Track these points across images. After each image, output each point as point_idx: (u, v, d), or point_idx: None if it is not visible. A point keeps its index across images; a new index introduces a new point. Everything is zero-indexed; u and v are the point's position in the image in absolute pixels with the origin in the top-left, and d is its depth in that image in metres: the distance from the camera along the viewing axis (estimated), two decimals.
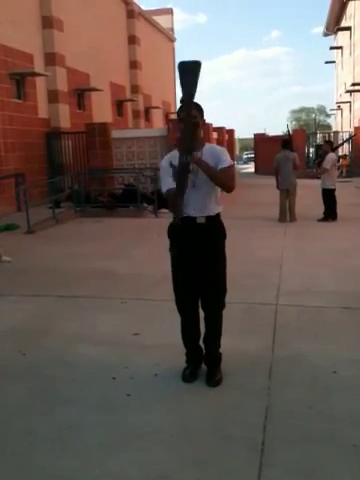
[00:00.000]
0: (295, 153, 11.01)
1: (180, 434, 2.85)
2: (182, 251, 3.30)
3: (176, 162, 3.07)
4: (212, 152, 3.22)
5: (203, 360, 3.55)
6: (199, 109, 3.19)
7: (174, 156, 3.17)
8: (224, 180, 3.18)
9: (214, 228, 3.32)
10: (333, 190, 10.59)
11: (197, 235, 3.26)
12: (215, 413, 3.07)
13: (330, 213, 10.53)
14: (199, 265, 3.31)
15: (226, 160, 3.20)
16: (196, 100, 3.06)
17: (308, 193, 12.76)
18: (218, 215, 3.33)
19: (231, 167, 3.22)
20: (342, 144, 18.30)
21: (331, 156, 10.63)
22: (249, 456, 2.63)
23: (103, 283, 6.16)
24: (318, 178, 11.49)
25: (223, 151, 3.27)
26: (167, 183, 3.17)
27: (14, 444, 2.83)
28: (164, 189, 3.20)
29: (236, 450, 2.69)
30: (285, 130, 16.60)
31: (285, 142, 11.09)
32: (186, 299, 3.41)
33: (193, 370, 3.49)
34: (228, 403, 3.18)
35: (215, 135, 18.02)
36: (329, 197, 10.60)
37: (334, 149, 11.46)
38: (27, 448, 2.78)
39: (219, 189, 3.29)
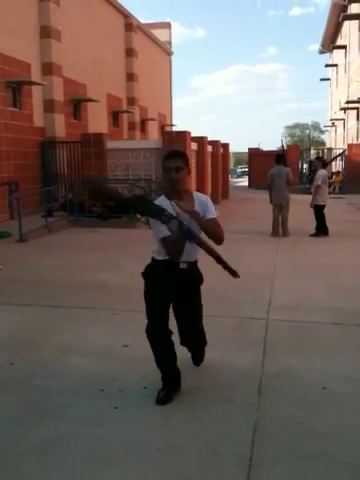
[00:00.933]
0: (289, 168, 11.09)
1: (167, 449, 2.83)
2: (159, 288, 3.34)
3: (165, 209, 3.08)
4: (199, 202, 3.28)
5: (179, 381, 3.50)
6: (185, 158, 3.25)
7: (162, 203, 3.18)
8: (216, 231, 3.25)
9: (194, 274, 3.46)
10: (323, 206, 10.66)
11: (177, 279, 3.34)
12: (203, 428, 3.05)
13: (321, 229, 10.59)
14: (175, 302, 3.46)
15: (213, 210, 3.29)
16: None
17: (301, 208, 12.83)
18: (197, 261, 3.43)
19: (217, 218, 3.29)
20: (332, 160, 18.46)
21: (322, 172, 10.71)
22: (237, 472, 2.61)
23: (94, 294, 6.14)
24: (310, 194, 11.57)
25: (209, 200, 3.36)
26: (160, 232, 3.14)
27: (3, 454, 2.79)
28: (159, 237, 3.18)
29: (224, 466, 2.67)
30: (279, 145, 16.76)
31: (279, 157, 11.17)
32: (160, 326, 3.37)
33: (168, 393, 3.38)
34: (217, 418, 3.16)
35: (210, 149, 18.13)
36: (318, 213, 10.67)
37: (325, 165, 11.55)
38: (13, 460, 2.75)
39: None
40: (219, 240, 3.26)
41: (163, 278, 3.32)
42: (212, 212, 3.28)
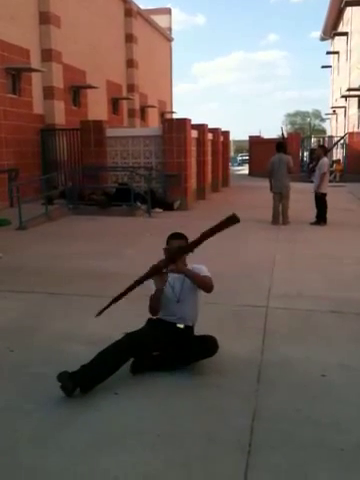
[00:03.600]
0: (289, 156, 11.04)
1: (167, 435, 2.85)
2: (153, 336, 3.60)
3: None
4: (194, 268, 3.67)
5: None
6: (186, 240, 3.64)
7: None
8: (205, 281, 3.61)
9: (189, 336, 3.72)
10: (325, 194, 10.63)
11: (173, 336, 3.64)
12: (202, 415, 3.07)
13: (322, 217, 10.57)
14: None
15: (205, 270, 3.70)
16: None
17: (301, 197, 12.80)
18: (193, 326, 3.79)
19: (210, 277, 3.66)
20: (333, 147, 18.36)
21: (325, 160, 10.66)
22: (235, 458, 2.63)
23: (94, 282, 6.14)
24: (311, 182, 11.52)
25: (203, 265, 3.75)
26: (152, 290, 3.63)
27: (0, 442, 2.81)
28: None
29: (222, 452, 2.69)
30: (280, 133, 16.65)
31: (280, 145, 11.11)
32: (130, 348, 3.48)
33: (70, 378, 3.27)
34: (216, 405, 3.18)
35: (210, 136, 18.04)
36: (321, 201, 10.64)
37: (326, 153, 11.47)
38: (13, 446, 2.77)
39: (199, 304, 3.78)
40: (208, 288, 3.61)
41: (161, 331, 3.64)
42: (206, 272, 3.67)
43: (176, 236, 3.70)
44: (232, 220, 3.29)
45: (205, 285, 3.62)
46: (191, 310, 3.75)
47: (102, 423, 2.97)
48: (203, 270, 3.69)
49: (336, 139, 26.96)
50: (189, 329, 3.75)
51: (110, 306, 3.62)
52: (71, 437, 2.83)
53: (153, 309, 3.68)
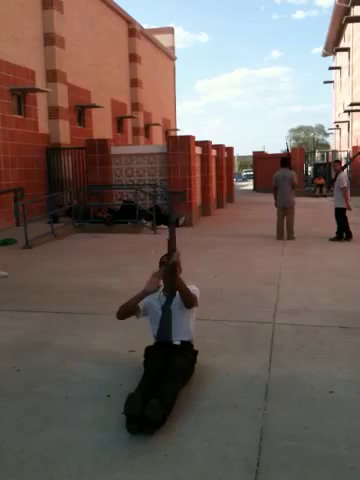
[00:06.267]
0: (293, 171, 11.07)
1: (175, 454, 2.81)
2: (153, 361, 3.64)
3: (154, 303, 3.86)
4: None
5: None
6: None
7: (152, 298, 3.86)
8: (192, 295, 3.80)
9: (187, 348, 3.78)
10: (344, 209, 10.51)
11: (171, 351, 3.68)
12: (210, 433, 3.03)
13: (343, 232, 10.45)
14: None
15: (194, 288, 3.92)
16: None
17: (306, 212, 12.80)
18: (190, 341, 3.86)
19: (197, 296, 3.88)
20: (348, 164, 18.29)
21: (343, 175, 10.60)
22: (244, 478, 2.59)
23: (100, 299, 6.14)
24: (324, 196, 11.45)
25: (194, 286, 3.95)
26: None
27: (6, 462, 2.79)
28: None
29: (231, 471, 2.65)
30: (284, 148, 16.72)
31: (284, 160, 11.15)
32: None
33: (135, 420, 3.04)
34: (223, 423, 3.14)
35: (214, 152, 18.14)
36: (342, 216, 10.54)
37: (343, 168, 11.35)
38: (19, 466, 2.74)
39: (192, 319, 3.91)
40: (191, 301, 3.78)
41: (159, 353, 3.70)
42: (195, 291, 3.89)
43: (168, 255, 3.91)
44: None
45: (189, 297, 3.77)
46: (185, 325, 3.83)
47: (109, 443, 2.94)
48: (193, 288, 3.90)
49: (339, 153, 27.05)
50: (186, 344, 3.80)
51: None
52: (78, 457, 2.81)
53: (124, 309, 3.83)
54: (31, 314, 5.62)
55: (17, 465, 2.76)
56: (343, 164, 11.83)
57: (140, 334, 4.51)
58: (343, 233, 10.47)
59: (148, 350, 3.83)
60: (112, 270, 7.84)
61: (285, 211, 10.75)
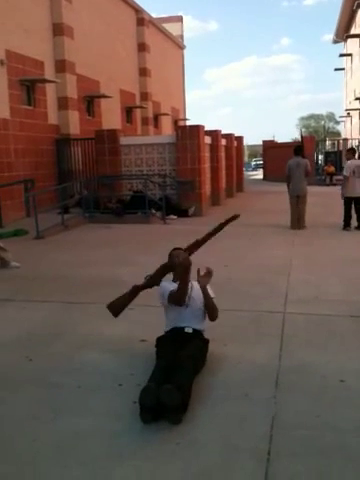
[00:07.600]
0: (306, 160, 11.01)
1: (186, 443, 2.84)
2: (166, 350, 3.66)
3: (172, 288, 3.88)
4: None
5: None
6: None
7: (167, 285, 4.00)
8: (216, 309, 3.92)
9: (199, 336, 3.82)
10: (351, 198, 10.39)
11: (183, 340, 3.70)
12: (221, 423, 3.05)
13: (357, 221, 10.39)
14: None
15: (212, 292, 3.97)
16: None
17: (317, 200, 12.72)
18: (203, 331, 3.91)
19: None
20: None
21: (349, 163, 10.50)
22: (255, 467, 2.61)
23: (111, 289, 6.14)
24: (334, 185, 11.35)
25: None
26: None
27: (19, 451, 2.83)
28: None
29: (242, 460, 2.67)
30: (294, 137, 16.62)
31: (297, 148, 11.08)
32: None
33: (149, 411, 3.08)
34: (234, 413, 3.16)
35: (224, 142, 18.04)
36: (346, 205, 10.44)
37: (354, 155, 11.18)
38: (32, 456, 2.78)
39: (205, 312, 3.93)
40: (215, 316, 3.94)
41: (171, 342, 3.72)
42: (211, 292, 3.97)
43: (178, 248, 3.98)
44: (233, 218, 3.76)
45: (214, 311, 3.91)
46: (199, 315, 3.90)
47: (121, 432, 2.97)
48: (210, 290, 3.96)
49: (351, 141, 26.76)
50: (198, 332, 3.84)
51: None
52: (90, 446, 2.84)
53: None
54: (43, 304, 5.66)
55: (32, 453, 2.80)
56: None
57: (151, 324, 4.53)
58: (357, 222, 10.38)
59: (160, 340, 3.85)
60: (123, 260, 7.86)
61: (298, 200, 10.69)
